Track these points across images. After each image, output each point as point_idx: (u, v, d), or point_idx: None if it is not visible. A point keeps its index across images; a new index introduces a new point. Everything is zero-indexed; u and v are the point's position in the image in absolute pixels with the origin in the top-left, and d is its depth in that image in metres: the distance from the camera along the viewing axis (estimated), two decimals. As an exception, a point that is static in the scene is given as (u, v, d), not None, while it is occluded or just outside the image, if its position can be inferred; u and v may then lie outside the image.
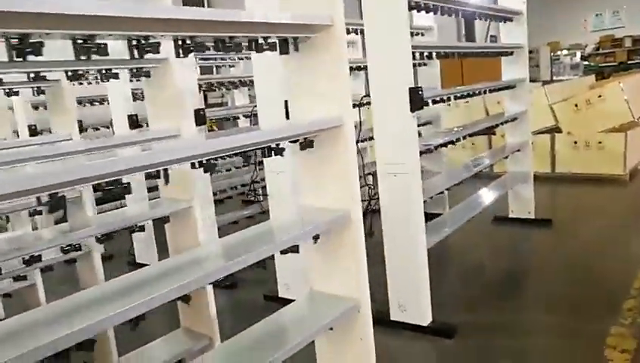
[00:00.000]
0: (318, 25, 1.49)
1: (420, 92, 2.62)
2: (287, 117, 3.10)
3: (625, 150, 5.67)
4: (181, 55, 1.54)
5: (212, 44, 1.48)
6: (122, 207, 3.81)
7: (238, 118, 4.82)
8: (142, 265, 4.41)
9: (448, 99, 3.15)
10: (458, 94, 3.27)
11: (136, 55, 1.67)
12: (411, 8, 2.93)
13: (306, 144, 1.58)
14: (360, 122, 3.14)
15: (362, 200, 3.18)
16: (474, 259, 3.99)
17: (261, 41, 1.44)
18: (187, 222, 1.93)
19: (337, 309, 1.67)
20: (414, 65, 4.97)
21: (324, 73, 1.54)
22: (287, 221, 1.73)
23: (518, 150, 4.45)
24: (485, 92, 3.73)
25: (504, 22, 4.28)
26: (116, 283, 1.54)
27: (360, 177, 3.67)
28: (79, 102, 4.80)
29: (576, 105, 6.06)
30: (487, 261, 3.93)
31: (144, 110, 2.71)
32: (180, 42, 1.53)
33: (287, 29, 1.45)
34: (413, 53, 3.06)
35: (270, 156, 1.53)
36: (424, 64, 4.77)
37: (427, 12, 3.11)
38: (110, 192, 1.80)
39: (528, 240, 4.34)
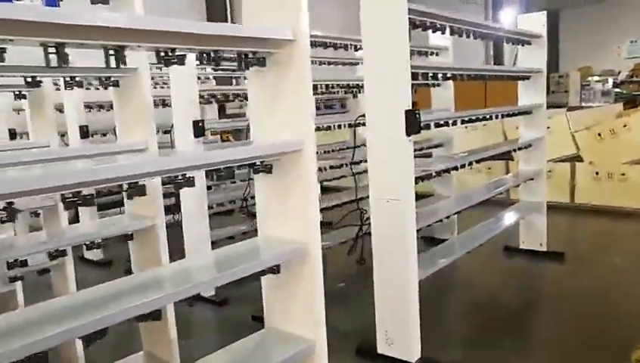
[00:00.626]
0: (278, 40, 1.37)
1: (417, 115, 2.47)
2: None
3: (649, 183, 5.39)
4: (160, 65, 1.44)
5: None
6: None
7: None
8: (137, 276, 4.35)
9: (454, 123, 2.99)
10: (463, 118, 3.10)
11: (112, 64, 1.59)
12: (415, 27, 2.81)
13: (263, 168, 1.46)
14: (355, 142, 3.00)
15: (354, 225, 3.06)
16: (477, 291, 3.79)
17: (213, 55, 1.33)
18: (150, 241, 1.82)
19: (289, 350, 1.53)
20: (428, 85, 4.85)
21: (286, 92, 1.42)
22: (246, 249, 1.60)
23: (532, 179, 4.25)
24: (494, 117, 3.56)
25: (522, 45, 4.10)
26: (68, 299, 1.45)
27: (353, 200, 3.56)
28: (88, 107, 4.80)
29: (600, 134, 5.81)
30: (491, 294, 3.72)
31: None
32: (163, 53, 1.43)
33: (244, 43, 1.34)
34: (418, 74, 2.94)
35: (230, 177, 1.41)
36: (438, 85, 4.63)
37: (433, 31, 2.98)
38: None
39: (537, 274, 4.12)
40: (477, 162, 3.45)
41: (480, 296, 3.67)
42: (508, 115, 3.88)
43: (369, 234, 2.71)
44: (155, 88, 5.29)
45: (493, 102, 8.08)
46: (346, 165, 3.44)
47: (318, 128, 3.13)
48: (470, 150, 4.68)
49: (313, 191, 1.49)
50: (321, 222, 1.59)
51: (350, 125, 3.24)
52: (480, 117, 3.37)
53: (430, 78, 2.97)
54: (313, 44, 3.33)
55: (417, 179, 2.74)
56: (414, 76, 2.94)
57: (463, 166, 3.21)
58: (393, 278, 2.64)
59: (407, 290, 2.60)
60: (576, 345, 2.88)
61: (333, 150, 4.33)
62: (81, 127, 4.45)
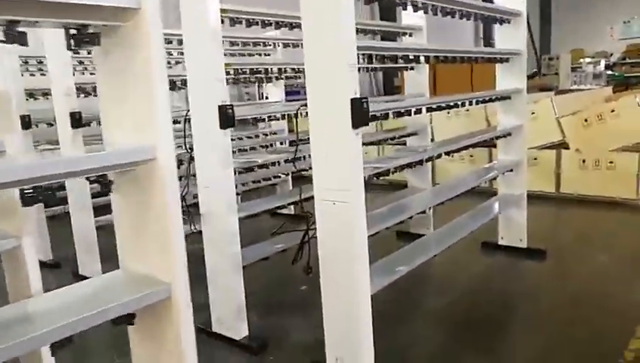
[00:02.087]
0: (114, 8, 1.01)
1: (364, 104, 2.11)
2: (222, 125, 2.65)
3: (638, 171, 5.06)
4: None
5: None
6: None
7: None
8: (84, 277, 4.00)
9: (417, 112, 2.63)
10: (428, 106, 2.74)
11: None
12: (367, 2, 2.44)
13: (105, 185, 1.11)
14: (297, 136, 2.65)
15: (298, 230, 2.71)
16: (450, 295, 3.46)
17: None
18: (15, 265, 1.47)
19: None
20: (402, 69, 4.48)
21: (135, 82, 1.06)
22: (97, 289, 1.24)
23: (511, 170, 3.91)
24: (466, 104, 3.20)
25: (500, 24, 3.73)
26: None
27: (297, 202, 3.21)
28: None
29: (586, 120, 5.47)
30: (464, 299, 3.40)
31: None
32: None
33: (66, 12, 0.98)
34: (393, 56, 2.59)
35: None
36: (411, 68, 4.26)
37: (398, 7, 2.63)
38: None
39: (515, 274, 3.80)
40: (447, 154, 3.11)
41: (452, 302, 3.35)
42: (484, 101, 3.52)
43: (316, 238, 2.37)
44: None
45: (481, 87, 7.72)
46: (286, 161, 3.08)
47: (257, 120, 2.78)
48: (447, 138, 4.35)
49: (175, 215, 1.14)
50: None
51: (283, 116, 2.87)
52: (450, 104, 3.02)
53: (400, 60, 2.63)
54: (264, 24, 2.95)
55: (371, 177, 2.40)
56: (380, 59, 2.61)
57: (420, 163, 2.84)
58: (341, 293, 2.30)
59: (357, 305, 2.26)
60: (556, 355, 2.57)
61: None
62: None
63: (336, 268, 2.30)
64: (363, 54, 2.55)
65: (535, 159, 5.68)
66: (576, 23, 19.05)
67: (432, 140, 6.41)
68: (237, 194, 5.44)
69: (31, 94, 4.42)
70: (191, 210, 3.07)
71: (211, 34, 2.58)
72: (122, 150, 1.10)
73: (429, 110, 2.78)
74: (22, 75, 4.59)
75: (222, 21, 2.86)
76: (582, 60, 16.25)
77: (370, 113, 2.17)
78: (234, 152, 4.24)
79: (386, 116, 2.42)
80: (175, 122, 3.52)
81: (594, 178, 5.32)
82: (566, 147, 5.57)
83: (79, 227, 3.99)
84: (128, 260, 1.29)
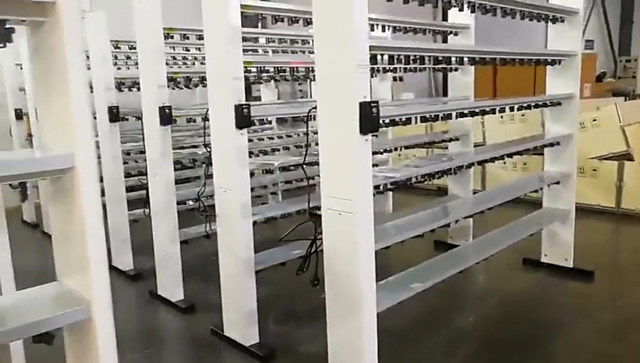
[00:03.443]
0: (28, 3, 0.92)
1: (374, 108, 1.96)
2: (238, 125, 2.57)
3: None
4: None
5: None
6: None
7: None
8: (117, 269, 4.08)
9: (433, 118, 2.43)
10: (450, 112, 2.54)
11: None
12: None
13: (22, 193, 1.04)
14: (307, 139, 2.52)
15: (306, 238, 2.59)
16: (477, 312, 3.23)
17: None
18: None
19: None
20: (446, 70, 4.25)
21: (54, 84, 0.97)
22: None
23: (557, 183, 3.60)
24: (501, 110, 2.95)
25: (553, 23, 3.43)
26: None
27: (305, 210, 3.08)
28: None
29: (655, 129, 4.98)
30: (491, 317, 3.15)
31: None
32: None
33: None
34: (420, 57, 2.42)
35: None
36: (455, 69, 4.02)
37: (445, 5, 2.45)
38: None
39: (554, 296, 3.48)
40: (468, 166, 2.88)
41: (479, 320, 3.11)
42: (527, 107, 3.25)
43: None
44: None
45: (539, 89, 7.27)
46: (298, 166, 2.96)
47: (262, 122, 2.67)
48: (491, 144, 4.07)
49: (94, 228, 1.04)
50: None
51: (295, 119, 2.75)
52: (482, 110, 2.79)
53: (436, 61, 2.46)
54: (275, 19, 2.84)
55: (383, 187, 2.24)
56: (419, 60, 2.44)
57: (431, 176, 2.62)
58: (345, 310, 2.16)
59: (361, 326, 2.11)
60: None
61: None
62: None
63: (340, 283, 2.16)
64: (414, 56, 2.40)
65: (595, 170, 5.25)
66: (661, 23, 17.61)
67: (483, 145, 6.12)
68: (274, 194, 5.50)
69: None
70: (208, 211, 3.03)
71: (230, 31, 2.50)
72: (38, 158, 1.03)
73: (444, 117, 2.53)
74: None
75: (263, 18, 2.77)
76: (664, 63, 15.01)
77: (380, 119, 2.01)
78: (274, 150, 4.21)
79: (393, 123, 2.25)
80: (191, 120, 3.54)
81: (660, 194, 4.84)
82: (631, 159, 5.10)
83: (113, 219, 4.06)
84: (60, 273, 1.22)
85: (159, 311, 3.40)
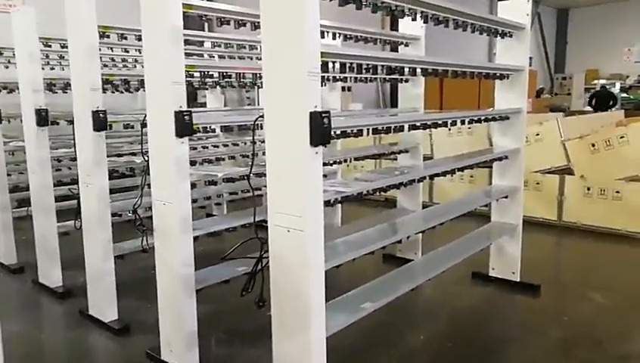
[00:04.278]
0: None
1: (325, 119, 1.84)
2: (178, 133, 2.39)
3: (647, 204, 4.73)
4: None
5: None
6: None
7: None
8: (44, 286, 3.75)
9: (376, 131, 2.33)
10: (402, 124, 2.45)
11: None
12: (345, 2, 2.17)
13: None
14: (254, 149, 2.37)
15: (251, 257, 2.43)
16: (427, 329, 3.15)
17: None
18: None
19: None
20: (397, 80, 4.20)
21: None
22: None
23: (506, 197, 3.60)
24: (452, 123, 2.91)
25: (502, 37, 3.44)
26: None
27: (245, 224, 2.94)
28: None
29: (593, 145, 5.14)
30: (442, 334, 3.09)
31: None
32: None
33: None
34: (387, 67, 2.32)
35: None
36: (406, 80, 3.98)
37: (388, 14, 2.36)
38: None
39: (503, 311, 3.48)
40: (420, 180, 2.83)
41: (429, 338, 3.04)
42: (478, 120, 3.22)
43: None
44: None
45: (488, 103, 7.46)
46: (244, 177, 2.80)
47: (205, 130, 2.50)
48: (441, 158, 4.04)
49: None
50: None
51: (241, 127, 2.59)
52: (434, 122, 2.73)
53: (389, 71, 2.37)
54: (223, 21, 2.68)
55: (332, 202, 2.12)
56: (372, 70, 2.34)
57: (382, 190, 2.53)
58: (292, 333, 2.01)
59: (309, 351, 1.97)
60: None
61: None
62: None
63: (288, 304, 2.01)
64: (367, 65, 2.30)
65: (538, 183, 5.37)
66: (593, 43, 18.66)
67: (431, 158, 6.15)
68: (218, 205, 5.28)
69: (5, 87, 4.24)
70: (145, 224, 2.80)
71: (170, 31, 2.32)
72: None
73: (412, 128, 2.46)
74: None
75: (208, 20, 2.61)
76: (596, 81, 15.87)
77: (332, 130, 1.89)
78: (219, 159, 4.01)
79: (345, 135, 2.13)
80: (129, 126, 3.31)
81: (599, 207, 4.99)
82: (571, 173, 5.25)
83: (40, 231, 3.73)
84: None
85: (89, 333, 3.13)
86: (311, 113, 1.82)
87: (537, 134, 5.52)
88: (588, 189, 5.05)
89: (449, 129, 6.24)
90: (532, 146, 5.44)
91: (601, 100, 12.42)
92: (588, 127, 5.67)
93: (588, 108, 12.89)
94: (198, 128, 2.49)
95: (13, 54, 3.68)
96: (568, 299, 3.57)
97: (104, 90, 3.20)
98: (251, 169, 2.32)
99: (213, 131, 2.58)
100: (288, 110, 1.87)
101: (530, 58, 16.75)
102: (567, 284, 3.90)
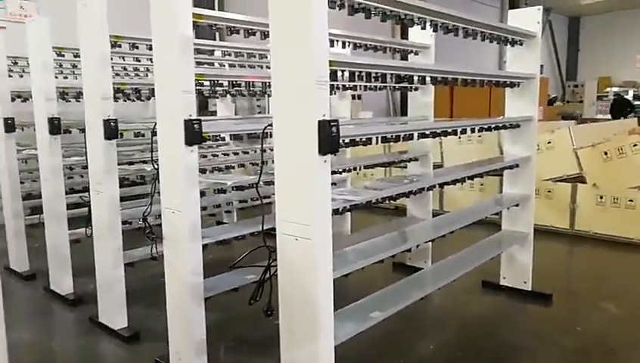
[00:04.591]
0: None
1: (334, 127, 1.84)
2: (188, 141, 2.40)
3: (660, 212, 4.67)
4: None
5: None
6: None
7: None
8: (55, 293, 3.77)
9: (385, 140, 2.32)
10: (407, 133, 2.44)
11: None
12: (354, 11, 2.18)
13: None
14: (262, 157, 2.37)
15: (259, 265, 2.43)
16: (437, 339, 3.13)
17: None
18: None
19: None
20: (406, 89, 4.20)
21: None
22: None
23: (517, 205, 3.57)
24: (462, 131, 2.90)
25: (512, 45, 3.43)
26: None
27: (254, 233, 2.93)
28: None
29: (606, 153, 5.09)
30: (451, 343, 3.06)
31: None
32: None
33: None
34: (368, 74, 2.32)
35: None
36: (415, 89, 3.98)
37: (397, 23, 2.36)
38: None
39: (514, 320, 3.44)
40: (429, 189, 2.81)
41: (439, 347, 3.02)
42: (488, 128, 3.21)
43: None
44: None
45: (499, 112, 7.48)
46: (253, 185, 2.80)
47: (215, 138, 2.51)
48: (450, 166, 4.01)
49: None
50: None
51: (251, 136, 2.60)
52: (444, 131, 2.72)
53: (398, 79, 2.37)
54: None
55: (341, 210, 2.11)
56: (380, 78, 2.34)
57: (390, 199, 2.51)
58: (300, 342, 2.01)
59: (317, 359, 1.96)
60: None
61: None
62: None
63: (296, 313, 2.01)
64: (376, 73, 2.30)
65: (550, 191, 5.33)
66: (604, 51, 18.56)
67: (441, 166, 6.13)
68: (228, 212, 5.30)
69: (19, 96, 4.30)
70: (154, 232, 2.82)
71: (180, 41, 2.34)
72: None
73: (387, 139, 2.43)
74: (11, 76, 4.48)
75: (219, 29, 2.63)
76: (608, 88, 15.76)
77: (341, 139, 1.89)
78: (229, 168, 4.02)
79: (354, 143, 2.13)
80: (139, 134, 3.33)
81: (611, 216, 4.93)
82: (584, 181, 5.20)
83: (52, 239, 3.77)
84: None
85: (100, 341, 3.14)
86: (319, 121, 1.82)
87: (549, 142, 5.48)
88: (601, 197, 5.00)
89: (459, 137, 6.22)
90: (544, 154, 5.40)
91: (618, 108, 12.42)
92: (601, 135, 5.62)
93: (600, 116, 12.81)
94: (208, 136, 2.50)
95: (28, 64, 3.73)
96: (580, 309, 3.53)
97: (116, 99, 3.25)
98: (260, 177, 2.32)
99: (223, 139, 2.58)
100: (297, 118, 1.88)
101: (542, 66, 16.69)
102: (580, 294, 3.85)
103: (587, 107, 13.25)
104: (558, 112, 11.89)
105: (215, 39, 5.44)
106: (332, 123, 1.83)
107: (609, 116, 12.71)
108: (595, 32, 19.15)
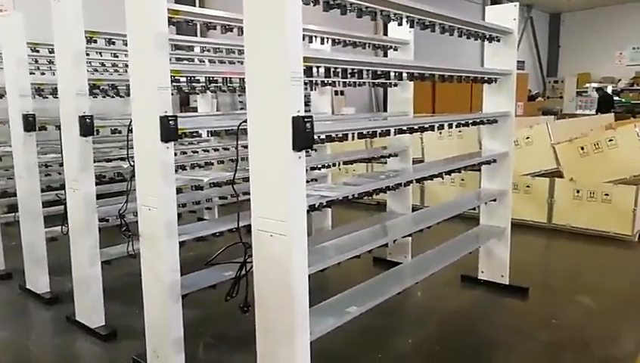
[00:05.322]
0: None
1: (308, 123, 1.84)
2: (164, 138, 2.38)
3: (635, 207, 4.76)
4: None
5: None
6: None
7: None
8: (30, 292, 3.72)
9: (361, 136, 2.33)
10: (385, 128, 2.45)
11: None
12: (329, 7, 2.18)
13: None
14: (237, 154, 2.37)
15: (235, 262, 2.43)
16: (416, 333, 3.15)
17: None
18: None
19: None
20: (385, 85, 4.21)
21: None
22: None
23: (494, 200, 3.61)
24: (441, 126, 2.92)
25: (489, 42, 3.46)
26: None
27: (235, 229, 2.92)
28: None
29: (583, 148, 5.17)
30: (430, 338, 3.09)
31: None
32: None
33: None
34: (359, 71, 2.32)
35: None
36: (395, 85, 3.99)
37: (374, 19, 2.36)
38: None
39: (492, 314, 3.48)
40: (407, 184, 2.83)
41: (418, 342, 3.04)
42: (465, 124, 3.24)
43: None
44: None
45: (479, 107, 7.51)
46: (228, 182, 2.80)
47: (192, 134, 2.49)
48: (430, 161, 4.03)
49: None
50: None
51: (228, 132, 2.59)
52: (421, 126, 2.74)
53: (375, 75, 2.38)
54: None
55: (316, 207, 2.12)
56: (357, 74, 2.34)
57: (368, 194, 2.52)
58: (275, 337, 2.01)
59: (293, 354, 1.97)
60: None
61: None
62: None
63: (271, 309, 2.01)
64: (352, 69, 2.30)
65: (528, 186, 5.39)
66: (584, 47, 18.80)
67: (422, 161, 6.16)
68: (209, 209, 5.28)
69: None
70: (131, 229, 2.79)
71: (155, 37, 2.31)
72: None
73: (382, 133, 2.44)
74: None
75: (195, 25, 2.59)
76: (588, 84, 15.98)
77: (316, 134, 1.89)
78: (207, 164, 4.00)
79: (330, 139, 2.14)
80: (116, 131, 3.30)
81: (588, 210, 5.01)
82: (561, 176, 5.27)
83: (27, 237, 3.71)
84: None
85: (76, 339, 3.11)
86: (293, 117, 1.82)
87: (527, 138, 5.54)
88: (578, 192, 5.07)
89: (440, 133, 6.25)
90: (523, 149, 5.47)
91: (605, 103, 12.72)
92: (578, 130, 5.70)
93: (580, 111, 12.99)
94: (184, 133, 2.49)
95: (1, 59, 3.67)
96: (557, 302, 3.58)
97: (93, 95, 3.20)
98: (235, 174, 2.31)
99: (200, 135, 2.57)
100: (271, 114, 1.87)
101: (523, 62, 16.87)
102: (556, 287, 3.91)
103: (567, 102, 13.42)
104: (539, 107, 12.03)
105: (196, 35, 5.40)
106: (306, 119, 1.83)
107: (588, 112, 12.90)
108: (576, 28, 19.39)
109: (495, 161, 3.56)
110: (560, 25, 20.12)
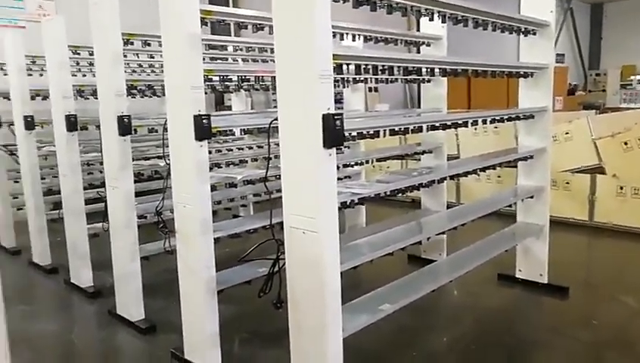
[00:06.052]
0: None
1: (338, 121, 1.84)
2: (197, 136, 2.43)
3: (683, 203, 4.56)
4: None
5: None
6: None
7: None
8: (75, 286, 3.86)
9: (392, 132, 2.32)
10: (400, 128, 2.40)
11: None
12: (359, 4, 2.18)
13: None
14: (269, 152, 2.39)
15: (268, 258, 2.45)
16: (451, 332, 3.12)
17: None
18: None
19: None
20: (418, 81, 4.17)
21: None
22: None
23: (531, 197, 3.53)
24: (474, 123, 2.87)
25: (525, 35, 3.38)
26: None
27: (268, 226, 2.95)
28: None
29: (626, 143, 4.98)
30: (466, 337, 3.04)
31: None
32: None
33: None
34: (383, 67, 2.32)
35: None
36: (428, 81, 3.95)
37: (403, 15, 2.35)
38: None
39: (530, 314, 3.40)
40: (440, 181, 2.79)
41: (453, 340, 3.00)
42: (500, 120, 3.17)
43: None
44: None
45: (513, 100, 7.35)
46: (261, 180, 2.81)
47: (225, 133, 2.53)
48: (465, 158, 3.97)
49: None
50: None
51: (260, 130, 2.62)
52: (454, 123, 2.70)
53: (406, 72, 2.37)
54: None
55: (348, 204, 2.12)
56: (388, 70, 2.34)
57: (400, 192, 2.50)
58: (308, 334, 2.03)
59: (325, 353, 1.98)
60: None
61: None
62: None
63: (303, 306, 2.03)
64: (383, 66, 2.30)
65: (568, 183, 5.24)
66: (629, 38, 18.06)
67: (457, 157, 6.07)
68: (244, 206, 5.34)
69: (38, 94, 4.37)
70: (167, 226, 2.86)
71: (188, 37, 2.36)
72: None
73: (414, 130, 2.41)
74: (31, 74, 4.56)
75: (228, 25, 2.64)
76: (632, 77, 15.35)
77: (347, 132, 1.90)
78: (242, 162, 4.06)
79: (361, 136, 2.13)
80: (153, 130, 3.38)
81: (632, 207, 4.83)
82: (603, 172, 5.10)
83: (71, 233, 3.85)
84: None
85: (118, 332, 3.21)
86: (323, 115, 1.83)
87: (567, 133, 5.39)
88: (621, 188, 4.90)
89: (475, 129, 6.16)
90: (562, 145, 5.32)
91: None
92: (621, 125, 5.48)
93: (625, 105, 12.51)
94: (218, 131, 2.53)
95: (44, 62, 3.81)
96: (598, 303, 3.48)
97: (132, 95, 3.30)
98: (267, 172, 2.34)
99: (233, 134, 2.61)
100: (301, 112, 1.89)
101: (562, 55, 16.31)
102: (597, 286, 3.80)
103: (610, 95, 12.95)
104: (580, 101, 11.66)
105: (231, 35, 5.48)
106: (336, 117, 1.84)
107: (633, 105, 12.40)
108: (619, 18, 18.63)
109: (531, 157, 3.48)
110: (602, 16, 19.40)
